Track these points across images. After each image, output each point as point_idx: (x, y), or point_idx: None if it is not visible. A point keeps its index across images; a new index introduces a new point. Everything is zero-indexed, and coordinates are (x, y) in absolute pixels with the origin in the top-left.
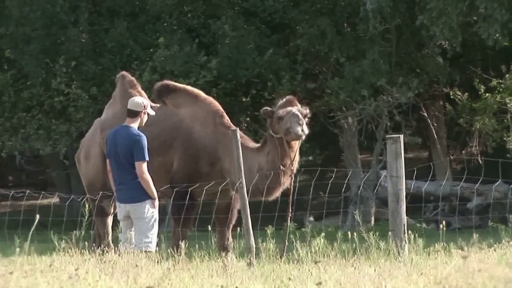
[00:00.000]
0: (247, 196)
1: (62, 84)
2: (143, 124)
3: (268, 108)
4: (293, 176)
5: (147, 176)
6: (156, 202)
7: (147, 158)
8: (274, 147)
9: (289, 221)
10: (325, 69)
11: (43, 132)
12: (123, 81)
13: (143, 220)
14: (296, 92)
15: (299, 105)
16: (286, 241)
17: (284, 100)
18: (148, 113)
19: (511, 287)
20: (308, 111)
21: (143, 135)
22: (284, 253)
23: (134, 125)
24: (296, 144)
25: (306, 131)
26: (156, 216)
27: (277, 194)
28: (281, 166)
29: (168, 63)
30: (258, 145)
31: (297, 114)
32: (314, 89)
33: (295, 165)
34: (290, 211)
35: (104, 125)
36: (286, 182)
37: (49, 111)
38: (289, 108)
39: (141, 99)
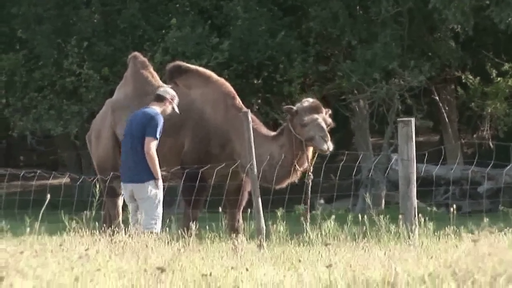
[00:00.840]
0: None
1: (74, 65)
2: (166, 113)
3: (292, 107)
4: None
5: (154, 153)
6: (160, 183)
7: (157, 136)
8: (290, 143)
9: (308, 204)
10: (337, 52)
11: (54, 113)
12: (135, 62)
13: (147, 201)
14: (308, 74)
15: (323, 112)
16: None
17: (308, 104)
18: (173, 106)
19: None
20: (331, 120)
21: (161, 115)
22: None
23: (158, 108)
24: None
25: (331, 147)
26: (160, 196)
27: (284, 185)
28: (295, 165)
29: (180, 44)
30: (273, 133)
31: (323, 127)
32: (325, 71)
33: (310, 165)
34: (307, 194)
35: (115, 106)
36: (295, 176)
37: (61, 92)
38: (315, 117)
39: (171, 90)
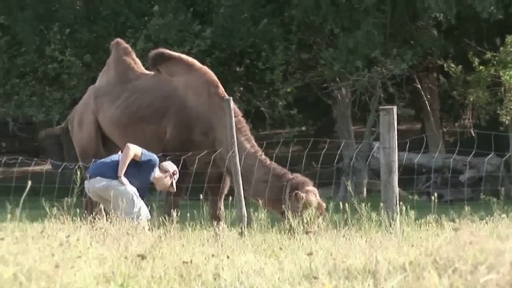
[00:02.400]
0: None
1: (56, 51)
2: (166, 186)
3: (302, 195)
4: None
5: (132, 150)
6: (123, 180)
7: (142, 156)
8: (277, 192)
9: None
10: (319, 40)
11: (37, 99)
12: (118, 48)
13: (120, 198)
14: (290, 62)
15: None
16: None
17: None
18: (172, 182)
19: (502, 260)
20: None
21: (156, 169)
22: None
23: (157, 171)
24: None
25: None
26: (130, 190)
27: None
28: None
29: (162, 31)
30: (270, 163)
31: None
32: (308, 59)
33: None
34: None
35: (98, 93)
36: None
37: (43, 78)
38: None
39: (174, 166)
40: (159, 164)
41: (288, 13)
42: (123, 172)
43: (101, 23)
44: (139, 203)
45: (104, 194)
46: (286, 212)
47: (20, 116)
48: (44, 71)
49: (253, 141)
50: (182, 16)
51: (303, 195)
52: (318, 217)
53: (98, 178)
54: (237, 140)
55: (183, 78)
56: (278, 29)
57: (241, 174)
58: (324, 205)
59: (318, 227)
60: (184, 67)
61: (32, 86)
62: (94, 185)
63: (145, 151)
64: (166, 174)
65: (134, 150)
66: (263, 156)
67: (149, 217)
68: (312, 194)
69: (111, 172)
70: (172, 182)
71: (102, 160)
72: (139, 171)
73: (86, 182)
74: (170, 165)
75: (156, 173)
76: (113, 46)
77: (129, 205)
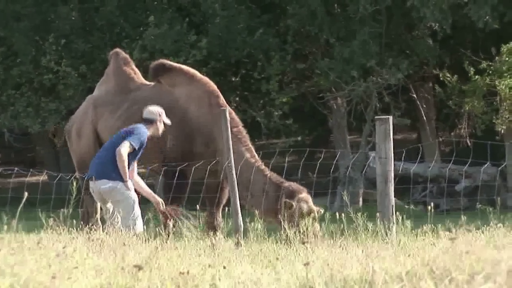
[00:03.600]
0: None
1: (52, 62)
2: (159, 134)
3: (293, 204)
4: None
5: (124, 155)
6: (129, 184)
7: (135, 145)
8: (273, 204)
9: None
10: (315, 50)
11: (32, 110)
12: (117, 58)
13: (121, 204)
14: (286, 72)
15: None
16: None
17: (307, 210)
18: (163, 121)
19: (499, 269)
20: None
21: (146, 133)
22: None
23: (147, 130)
24: None
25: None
26: (134, 196)
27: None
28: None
29: (158, 41)
30: (269, 172)
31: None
32: (303, 69)
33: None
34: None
35: (97, 102)
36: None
37: (39, 89)
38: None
39: (156, 108)
40: (144, 121)
41: (283, 23)
42: (127, 177)
43: (96, 33)
44: (138, 212)
45: (107, 196)
46: (282, 222)
47: (16, 127)
48: (40, 81)
49: (253, 151)
50: (178, 26)
51: (294, 203)
52: (312, 224)
53: (105, 180)
54: (237, 150)
55: (184, 89)
56: (274, 39)
57: (241, 183)
58: (316, 210)
59: (314, 235)
60: (185, 78)
61: (28, 97)
62: (100, 186)
63: (131, 138)
64: (154, 124)
65: (125, 152)
66: (263, 166)
67: (142, 230)
68: (304, 202)
69: (117, 173)
70: (164, 123)
71: (101, 158)
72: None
73: (91, 182)
74: (151, 113)
75: (148, 133)
76: (112, 56)
77: (128, 212)
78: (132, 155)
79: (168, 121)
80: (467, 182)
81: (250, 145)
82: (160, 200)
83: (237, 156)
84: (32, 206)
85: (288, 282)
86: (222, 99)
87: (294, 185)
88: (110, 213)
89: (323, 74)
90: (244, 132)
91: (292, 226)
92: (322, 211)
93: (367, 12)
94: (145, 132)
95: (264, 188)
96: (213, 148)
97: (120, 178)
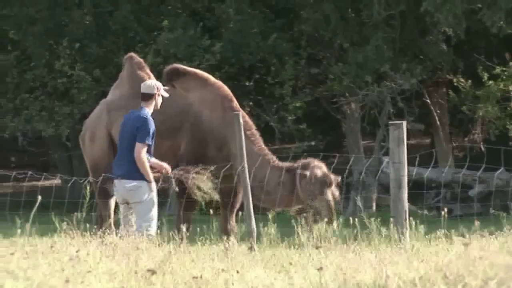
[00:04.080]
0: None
1: (66, 66)
2: (158, 107)
3: (306, 173)
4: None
5: (143, 158)
6: (153, 185)
7: (148, 142)
8: (291, 188)
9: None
10: (329, 55)
11: (46, 114)
12: (131, 63)
13: (141, 204)
14: (300, 77)
15: (333, 184)
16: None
17: (322, 177)
18: (162, 95)
19: None
20: (338, 193)
21: (150, 119)
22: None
23: (148, 108)
24: None
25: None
26: (155, 199)
27: (277, 209)
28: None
29: (171, 46)
30: (280, 163)
31: (332, 210)
32: (317, 74)
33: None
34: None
35: (111, 106)
36: (291, 206)
37: (52, 93)
38: (327, 196)
39: (153, 82)
40: (142, 96)
41: (297, 28)
42: (151, 177)
43: (110, 38)
44: (155, 215)
45: (129, 196)
46: (305, 202)
47: (29, 131)
48: (54, 85)
49: (267, 151)
50: (192, 30)
51: (307, 172)
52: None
53: (130, 180)
54: (250, 151)
55: (198, 93)
56: (288, 43)
57: (256, 184)
58: (333, 177)
59: (334, 199)
60: (199, 82)
61: (41, 101)
62: (124, 185)
63: (142, 138)
64: (152, 99)
65: (143, 156)
66: (277, 162)
67: (154, 233)
68: (317, 168)
69: (141, 173)
70: (162, 97)
71: (124, 158)
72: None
73: (115, 181)
74: (149, 88)
75: (150, 112)
76: (127, 60)
77: (145, 213)
78: (149, 145)
79: (166, 94)
80: (481, 188)
81: (263, 146)
82: (167, 166)
83: (250, 158)
84: (46, 209)
85: (301, 287)
86: (235, 103)
87: (303, 160)
88: (124, 214)
89: (336, 79)
90: (257, 134)
91: (310, 199)
92: (339, 179)
93: (381, 17)
94: (151, 123)
95: (279, 182)
96: (226, 152)
97: (144, 178)
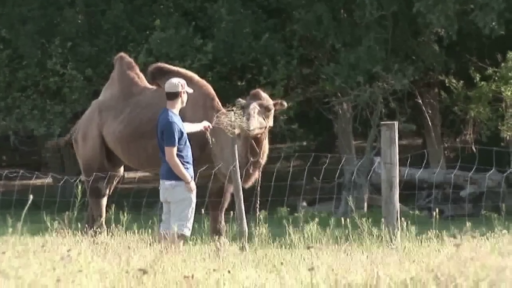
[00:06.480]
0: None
1: (58, 65)
2: (184, 104)
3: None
4: (260, 167)
5: (175, 160)
6: (192, 185)
7: (175, 144)
8: (242, 141)
9: (257, 210)
10: (321, 55)
11: (38, 113)
12: (122, 63)
13: (177, 204)
14: (292, 77)
15: (263, 97)
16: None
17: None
18: (186, 91)
19: (503, 276)
20: (269, 103)
21: (174, 121)
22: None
23: (174, 108)
24: (262, 138)
25: (253, 126)
26: (192, 199)
27: (247, 184)
28: (250, 158)
29: (163, 45)
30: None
31: (252, 110)
32: (309, 74)
33: (264, 158)
34: (257, 201)
35: (102, 106)
36: (255, 173)
37: (44, 92)
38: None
39: (177, 80)
40: (168, 96)
41: (289, 28)
42: (189, 178)
43: (102, 37)
44: (192, 217)
45: (169, 195)
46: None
47: (21, 130)
48: (46, 84)
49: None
50: (184, 30)
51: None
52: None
53: (170, 179)
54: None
55: None
56: (280, 44)
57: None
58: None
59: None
60: None
61: (33, 100)
62: (164, 183)
63: (168, 142)
64: (178, 97)
65: (175, 159)
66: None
67: (188, 235)
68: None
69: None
70: (186, 93)
71: (164, 160)
72: (186, 141)
73: (161, 181)
74: (174, 86)
75: (176, 113)
76: (117, 60)
77: (181, 212)
78: (180, 146)
79: (190, 90)
80: (472, 188)
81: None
82: (188, 176)
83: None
84: (37, 209)
85: (293, 287)
86: (217, 102)
87: None
88: (165, 212)
89: (328, 79)
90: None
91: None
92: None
93: (373, 18)
94: (175, 126)
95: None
96: (207, 151)
97: (181, 179)
